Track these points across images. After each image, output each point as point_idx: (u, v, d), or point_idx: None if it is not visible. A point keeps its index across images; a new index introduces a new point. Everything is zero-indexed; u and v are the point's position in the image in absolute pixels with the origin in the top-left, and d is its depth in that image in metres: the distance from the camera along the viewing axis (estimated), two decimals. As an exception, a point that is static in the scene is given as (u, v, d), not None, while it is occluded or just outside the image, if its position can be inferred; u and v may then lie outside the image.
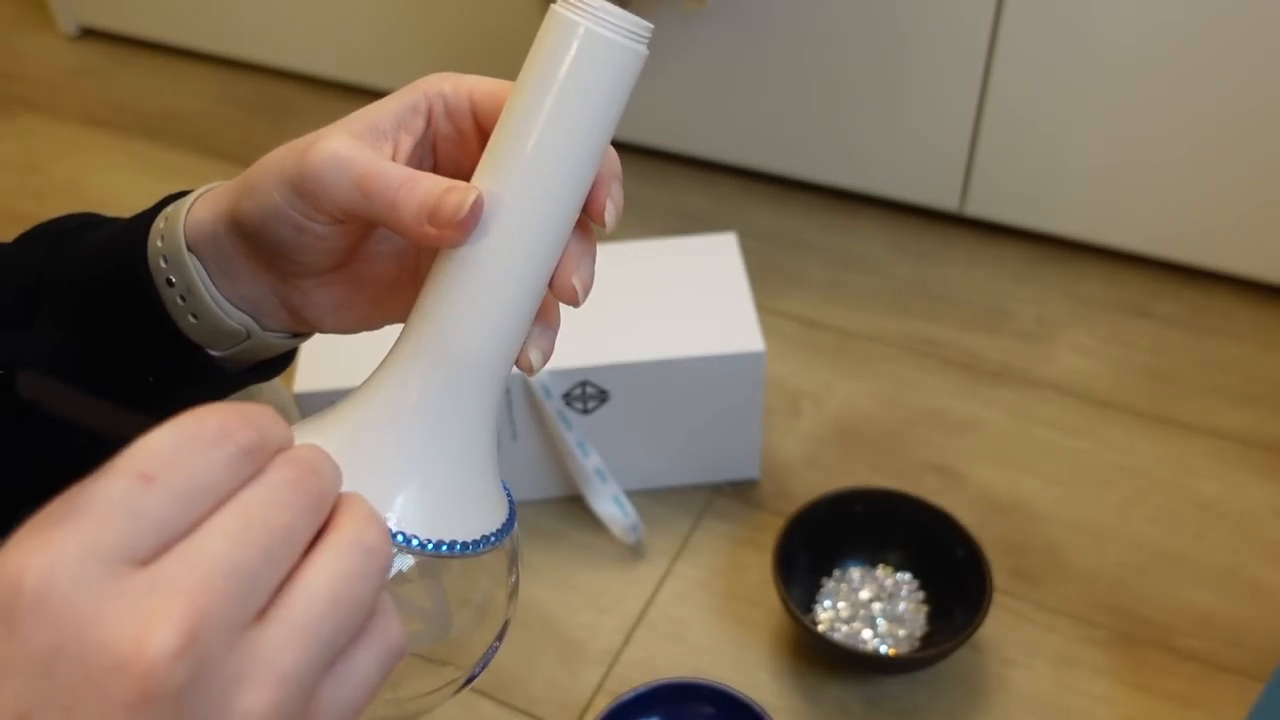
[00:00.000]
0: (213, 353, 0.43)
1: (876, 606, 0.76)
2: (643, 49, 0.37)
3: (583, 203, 0.37)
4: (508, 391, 0.78)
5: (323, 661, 0.27)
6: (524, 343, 0.38)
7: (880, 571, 0.79)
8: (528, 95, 0.35)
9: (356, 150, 0.37)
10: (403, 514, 0.35)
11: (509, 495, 0.40)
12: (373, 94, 1.45)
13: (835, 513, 0.78)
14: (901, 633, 0.75)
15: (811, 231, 1.14)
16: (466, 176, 0.38)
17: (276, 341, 0.44)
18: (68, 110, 1.38)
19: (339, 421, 0.36)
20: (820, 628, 0.75)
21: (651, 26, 0.37)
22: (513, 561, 0.39)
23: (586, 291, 0.39)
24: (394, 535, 0.34)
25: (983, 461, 0.89)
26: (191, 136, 1.32)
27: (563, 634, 0.78)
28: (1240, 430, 0.91)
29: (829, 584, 0.78)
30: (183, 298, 0.41)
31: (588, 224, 0.39)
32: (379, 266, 0.43)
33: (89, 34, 1.53)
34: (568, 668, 0.76)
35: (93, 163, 1.29)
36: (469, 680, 0.39)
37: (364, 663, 0.28)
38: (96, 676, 0.24)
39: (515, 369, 0.39)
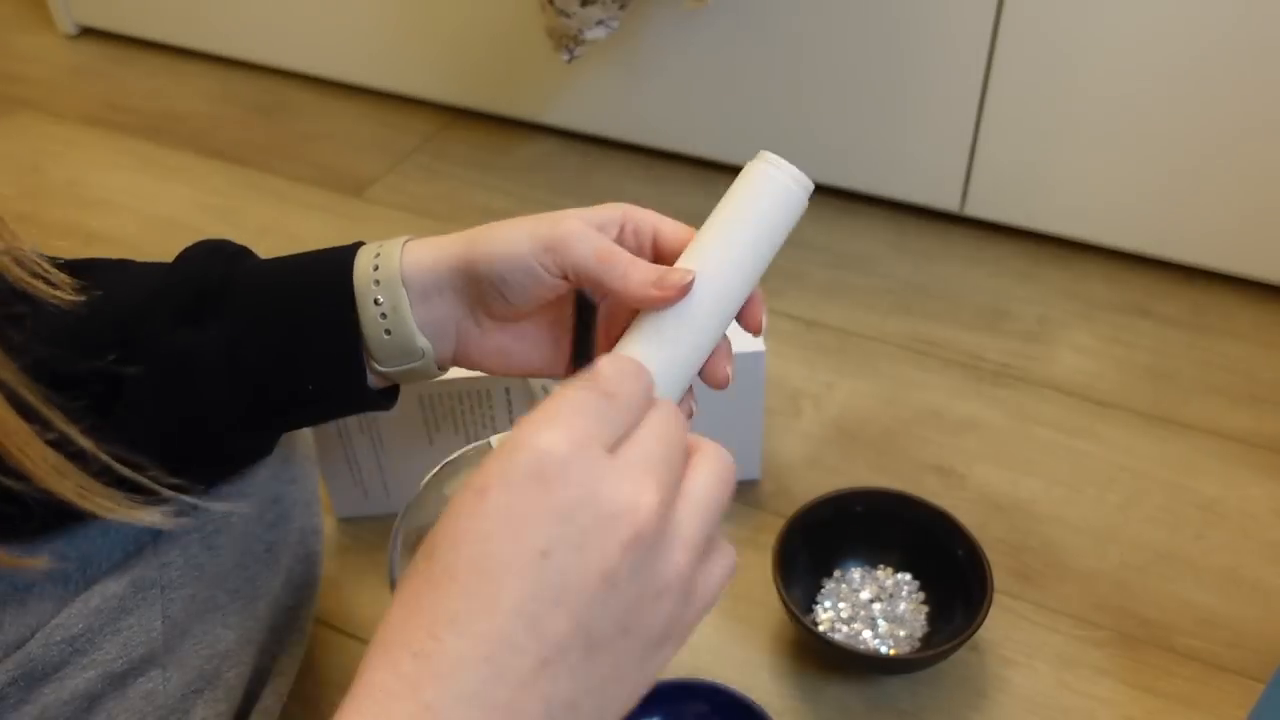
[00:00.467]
0: (379, 369, 0.53)
1: (877, 607, 0.76)
2: (806, 199, 0.51)
3: (744, 302, 0.51)
4: (506, 390, 0.79)
5: (709, 535, 0.39)
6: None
7: (880, 572, 0.78)
8: (730, 216, 0.50)
9: (596, 231, 0.51)
10: None
11: None
12: (373, 94, 1.46)
13: (835, 513, 0.77)
14: (902, 633, 0.75)
15: (811, 231, 1.14)
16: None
17: (432, 370, 0.54)
18: (67, 110, 1.38)
19: None
20: (820, 628, 0.75)
21: (812, 186, 0.51)
22: None
23: (730, 381, 0.54)
24: None
25: (983, 461, 0.89)
26: (191, 136, 1.32)
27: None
28: (1241, 430, 0.91)
29: (829, 584, 0.78)
30: (384, 315, 0.52)
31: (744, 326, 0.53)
32: (543, 331, 0.55)
33: (88, 33, 1.53)
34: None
35: (92, 162, 1.29)
36: None
37: (720, 560, 0.40)
38: (604, 522, 0.35)
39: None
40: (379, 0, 1.27)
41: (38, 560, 0.51)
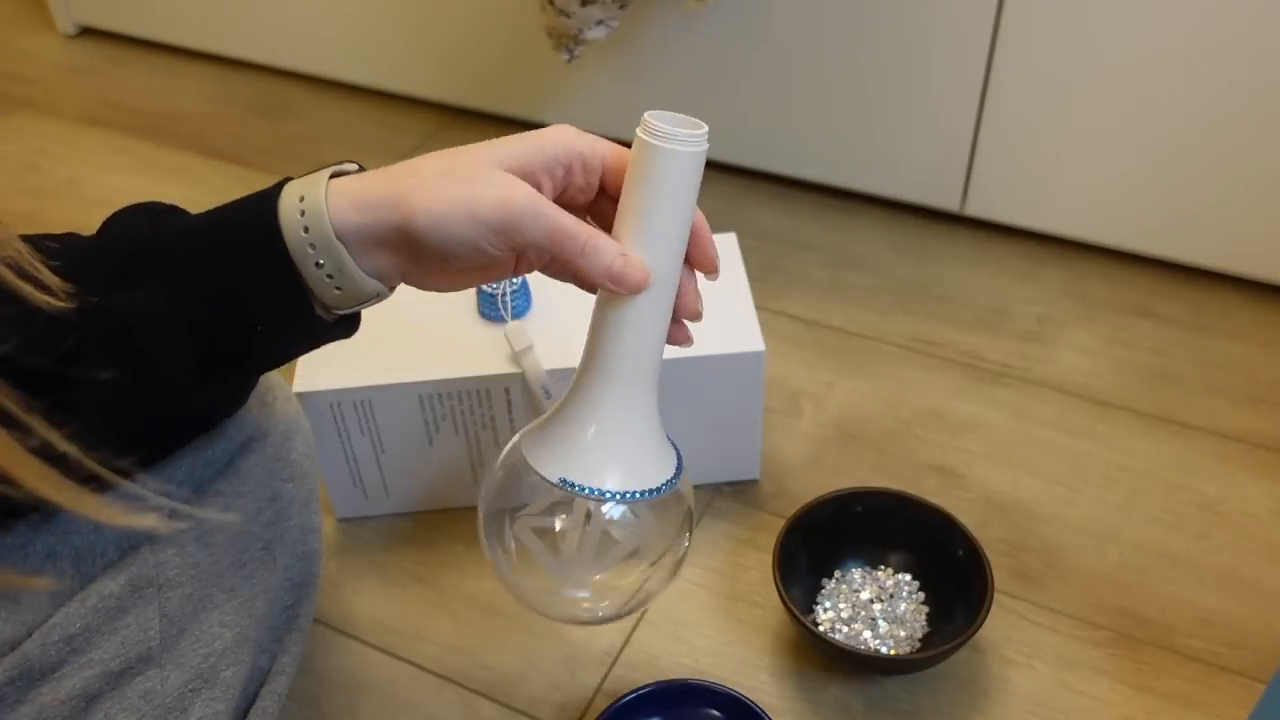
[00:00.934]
0: (336, 311, 0.52)
1: (877, 607, 0.76)
2: (704, 146, 0.51)
3: (682, 258, 0.53)
4: (506, 390, 0.78)
5: None
6: (663, 339, 0.55)
7: (881, 572, 0.78)
8: (640, 198, 0.51)
9: (545, 205, 0.49)
10: (622, 480, 0.55)
11: (676, 450, 0.59)
12: (373, 94, 1.46)
13: (836, 513, 0.77)
14: (902, 633, 0.75)
15: (811, 231, 1.14)
16: (582, 214, 0.54)
17: (386, 295, 0.53)
18: (66, 109, 1.38)
19: (568, 420, 0.56)
20: (821, 628, 0.75)
21: (707, 130, 0.51)
22: (688, 526, 0.60)
23: (702, 311, 0.55)
24: (624, 494, 0.55)
25: (983, 462, 0.89)
26: (190, 136, 1.32)
27: (563, 635, 0.77)
28: (1242, 430, 0.91)
29: (829, 585, 0.78)
30: (330, 275, 0.50)
31: (697, 271, 0.55)
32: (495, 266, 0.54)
33: (88, 33, 1.52)
34: (568, 668, 0.75)
35: (91, 162, 1.28)
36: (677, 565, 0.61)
37: None
38: None
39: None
40: (379, 0, 1.26)
41: (44, 580, 0.51)
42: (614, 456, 0.55)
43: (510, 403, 0.79)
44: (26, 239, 0.49)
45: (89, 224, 1.27)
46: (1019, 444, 0.90)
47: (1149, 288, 1.05)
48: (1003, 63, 1.01)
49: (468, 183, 0.49)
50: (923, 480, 0.87)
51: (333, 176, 0.51)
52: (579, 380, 0.55)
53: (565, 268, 0.51)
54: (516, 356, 0.77)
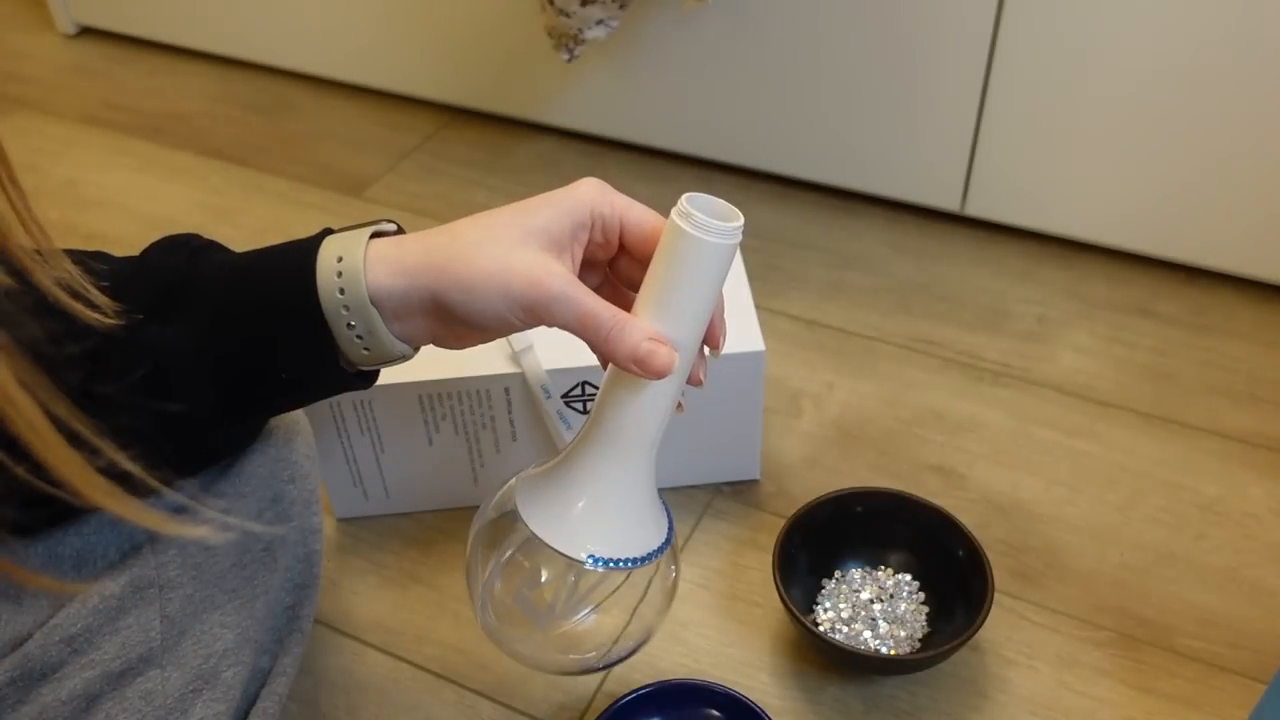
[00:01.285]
0: (360, 368, 0.54)
1: (877, 607, 0.76)
2: (738, 237, 0.51)
3: (702, 339, 0.54)
4: (506, 390, 0.78)
5: None
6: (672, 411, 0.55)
7: (881, 572, 0.78)
8: (671, 282, 0.51)
9: (575, 289, 0.50)
10: (618, 547, 0.56)
11: (667, 511, 0.60)
12: (373, 94, 1.46)
13: (836, 513, 0.77)
14: (902, 634, 0.75)
15: (811, 231, 1.14)
16: (603, 269, 0.57)
17: (410, 356, 0.55)
18: (66, 109, 1.38)
19: (565, 482, 0.56)
20: (821, 628, 0.75)
21: (743, 221, 0.51)
22: (674, 559, 0.60)
23: (704, 381, 0.56)
24: (619, 561, 0.55)
25: (983, 462, 0.89)
26: (190, 136, 1.32)
27: (562, 635, 0.77)
28: (1242, 430, 0.91)
29: (829, 585, 0.78)
30: (360, 337, 0.52)
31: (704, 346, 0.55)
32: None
33: (87, 33, 1.52)
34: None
35: (91, 162, 1.28)
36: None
37: None
38: None
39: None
40: (379, 0, 1.26)
41: (81, 586, 0.52)
42: (607, 527, 0.55)
43: (510, 403, 0.79)
44: (70, 254, 0.50)
45: (89, 224, 1.27)
46: (1019, 444, 0.90)
47: (1149, 288, 1.05)
48: (1003, 63, 1.01)
49: (504, 258, 0.51)
50: (923, 480, 0.87)
51: (373, 236, 0.52)
52: (584, 442, 0.56)
53: (591, 347, 0.52)
54: (516, 356, 0.77)
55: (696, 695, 0.69)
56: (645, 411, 0.54)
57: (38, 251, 0.45)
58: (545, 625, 0.59)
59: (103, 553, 0.55)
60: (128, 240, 1.15)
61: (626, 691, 0.68)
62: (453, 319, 0.52)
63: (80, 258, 0.52)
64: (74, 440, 0.43)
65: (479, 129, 1.31)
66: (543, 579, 0.58)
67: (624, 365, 0.51)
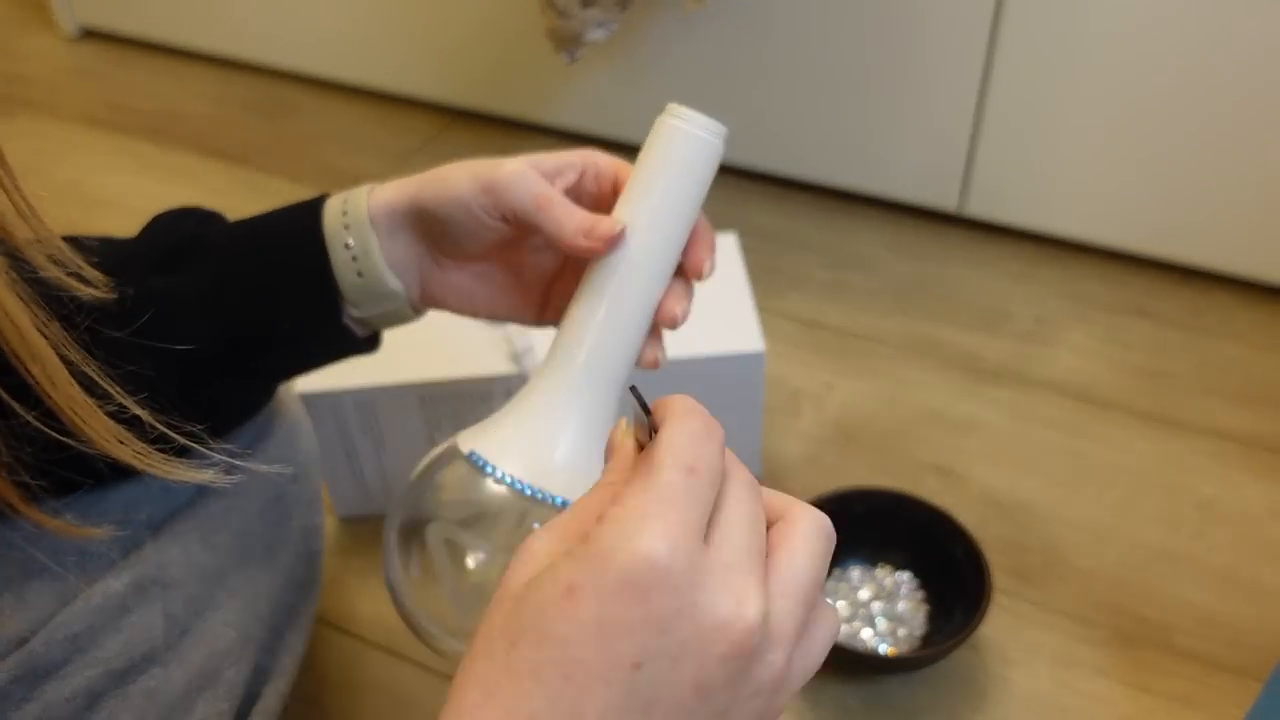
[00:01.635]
0: (355, 314, 0.55)
1: (876, 606, 0.77)
2: (720, 144, 0.51)
3: (681, 251, 0.51)
4: (506, 391, 0.79)
5: (809, 616, 0.36)
6: (642, 348, 0.51)
7: (880, 571, 0.79)
8: (648, 171, 0.50)
9: (535, 175, 0.52)
10: (519, 465, 0.48)
11: None
12: (373, 94, 1.46)
13: (835, 512, 0.77)
14: (901, 632, 0.75)
15: (811, 231, 1.14)
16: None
17: (407, 312, 0.56)
18: (68, 110, 1.38)
19: (527, 414, 0.50)
20: (820, 627, 0.75)
21: (725, 130, 0.51)
22: None
23: (684, 319, 0.52)
24: (512, 480, 0.48)
25: (982, 461, 0.89)
26: (191, 136, 1.32)
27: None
28: (1239, 430, 0.91)
29: (828, 583, 0.78)
30: (355, 258, 0.53)
31: (687, 275, 0.52)
32: (503, 274, 0.57)
33: (89, 34, 1.53)
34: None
35: (93, 163, 1.29)
36: None
37: (819, 635, 0.37)
38: (703, 634, 0.33)
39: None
40: (380, 0, 1.27)
41: (100, 530, 0.52)
42: (518, 442, 0.48)
43: (511, 403, 0.80)
44: (66, 239, 0.50)
45: (91, 225, 1.27)
46: (1018, 444, 0.90)
47: (1147, 288, 1.06)
48: (1001, 63, 1.01)
49: (478, 161, 0.54)
50: (922, 480, 0.87)
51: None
52: (541, 368, 0.51)
53: (545, 230, 0.51)
54: (517, 357, 0.78)
55: None
56: (597, 330, 0.49)
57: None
58: (464, 603, 0.50)
59: (105, 551, 0.55)
60: (129, 241, 1.16)
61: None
62: (429, 226, 0.53)
63: (75, 238, 0.53)
64: (85, 385, 0.44)
65: (479, 129, 1.31)
66: (472, 541, 0.50)
67: (572, 241, 0.50)
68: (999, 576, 0.79)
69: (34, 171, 1.31)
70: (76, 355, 0.43)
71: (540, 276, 0.57)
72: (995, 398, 0.95)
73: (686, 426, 0.36)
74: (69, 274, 0.48)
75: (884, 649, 0.74)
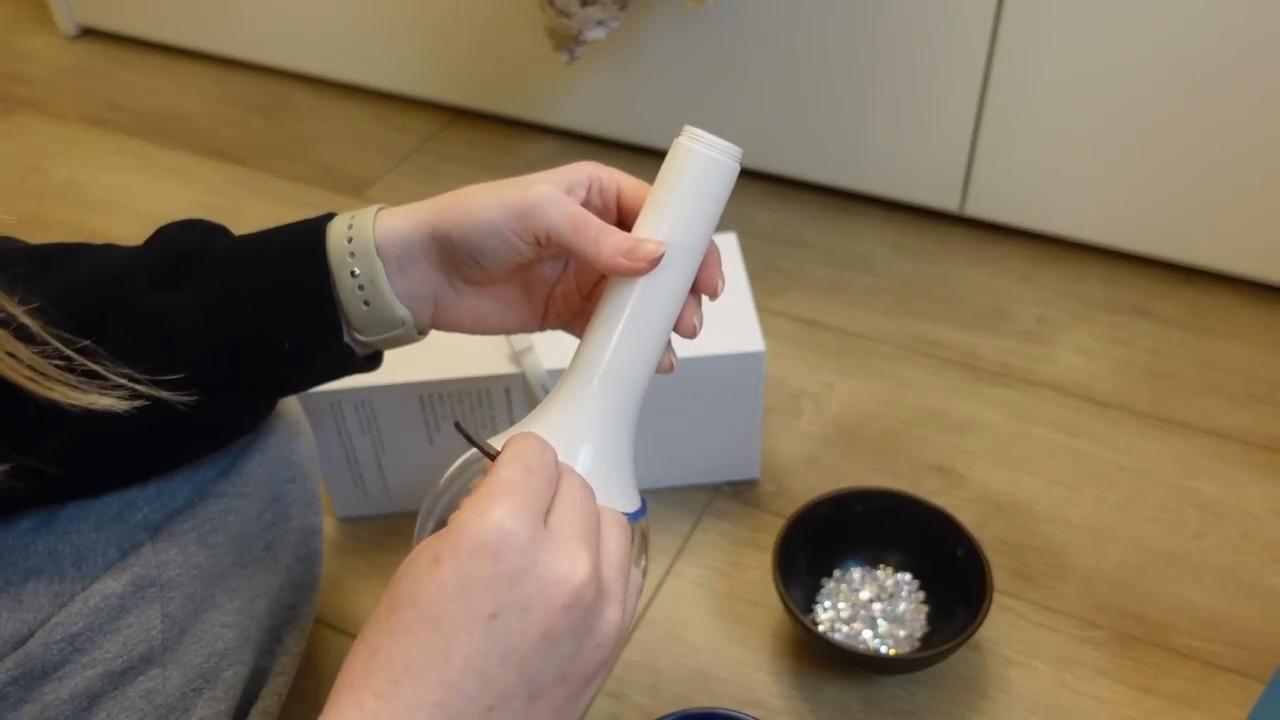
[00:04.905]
0: (360, 338, 0.54)
1: (877, 607, 0.76)
2: (735, 165, 0.52)
3: (698, 269, 0.53)
4: (506, 391, 0.79)
5: (624, 583, 0.45)
6: (661, 356, 0.53)
7: (880, 572, 0.78)
8: (667, 193, 0.52)
9: (567, 197, 0.52)
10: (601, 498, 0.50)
11: (642, 497, 0.54)
12: (373, 94, 1.46)
13: (835, 513, 0.77)
14: (902, 633, 0.75)
15: (811, 231, 1.14)
16: None
17: (414, 336, 0.55)
18: (67, 110, 1.38)
19: (551, 424, 0.51)
20: (820, 628, 0.75)
21: (741, 150, 0.52)
22: (645, 540, 0.56)
23: (699, 330, 0.54)
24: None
25: (983, 461, 0.89)
26: (191, 136, 1.32)
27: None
28: (1241, 430, 0.91)
29: (829, 584, 0.78)
30: (361, 286, 0.52)
31: (701, 292, 0.54)
32: (513, 290, 0.56)
33: (88, 34, 1.53)
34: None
35: (92, 162, 1.29)
36: None
37: (635, 600, 0.46)
38: (545, 587, 0.41)
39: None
40: (380, 0, 1.27)
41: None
42: (595, 464, 0.50)
43: (510, 403, 0.79)
44: (65, 245, 0.52)
45: (90, 224, 1.27)
46: (1019, 444, 0.90)
47: (1148, 288, 1.05)
48: (1002, 63, 1.01)
49: (500, 183, 0.53)
50: (923, 480, 0.87)
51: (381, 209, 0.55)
52: (558, 385, 0.53)
53: (581, 252, 0.51)
54: (517, 356, 0.78)
55: None
56: (624, 344, 0.51)
57: None
58: None
59: (103, 551, 0.55)
60: (128, 240, 1.15)
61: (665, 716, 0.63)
62: (453, 254, 0.52)
63: (87, 246, 0.54)
64: None
65: (479, 129, 1.31)
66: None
67: (612, 263, 0.50)
68: (999, 577, 0.79)
69: (33, 171, 1.32)
70: None
71: (544, 285, 0.57)
72: (996, 398, 0.95)
73: (523, 443, 0.45)
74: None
75: (885, 650, 0.74)
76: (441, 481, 0.56)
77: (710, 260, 0.53)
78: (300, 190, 1.23)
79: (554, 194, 0.51)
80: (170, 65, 1.45)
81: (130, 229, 1.17)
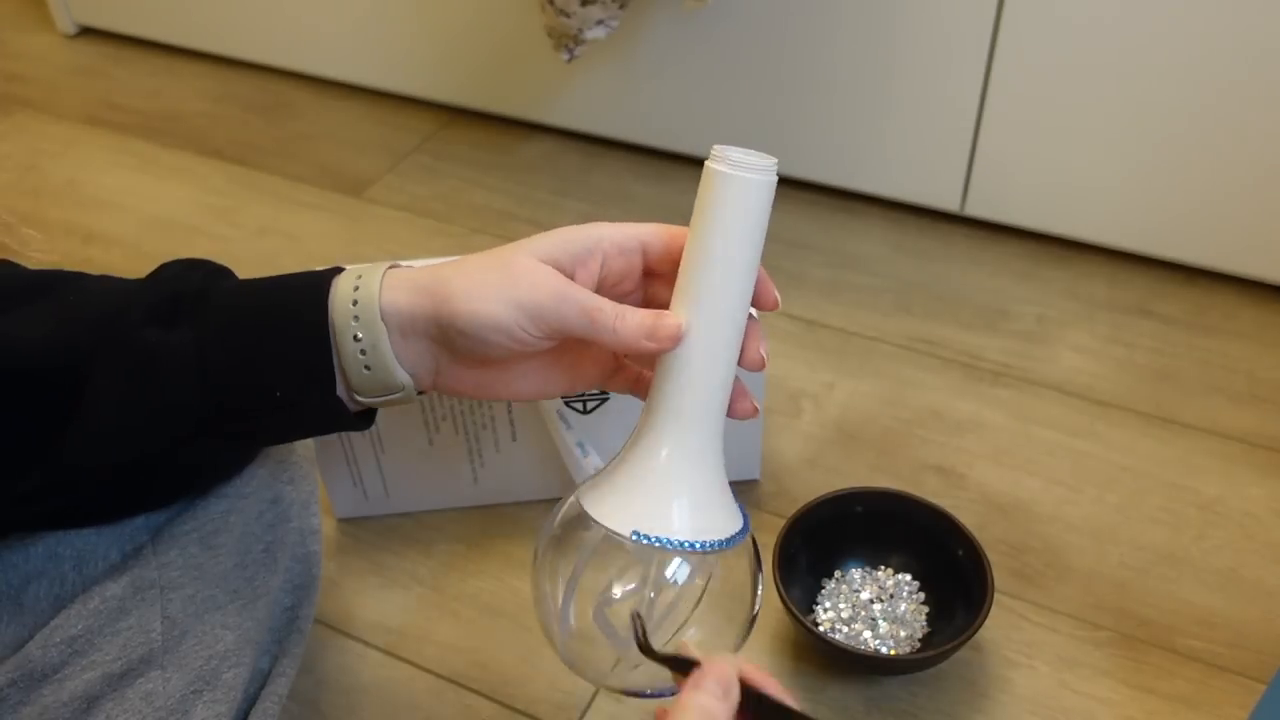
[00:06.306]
0: (358, 399, 0.53)
1: (877, 607, 0.76)
2: (773, 177, 0.51)
3: (750, 298, 0.52)
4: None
5: None
6: (732, 398, 0.53)
7: (881, 572, 0.78)
8: (708, 228, 0.50)
9: (576, 287, 0.50)
10: (693, 530, 0.52)
11: (740, 506, 0.56)
12: (373, 94, 1.45)
13: (836, 513, 0.77)
14: (902, 634, 0.75)
15: (811, 231, 1.14)
16: (624, 295, 0.55)
17: (413, 398, 0.54)
18: (66, 109, 1.38)
19: (633, 486, 0.53)
20: (821, 628, 0.75)
21: (775, 161, 0.51)
22: (756, 554, 0.58)
23: (766, 360, 0.54)
24: (697, 544, 0.52)
25: (983, 462, 0.89)
26: (190, 136, 1.32)
27: (563, 635, 0.77)
28: (1242, 430, 0.91)
29: (829, 585, 0.78)
30: (364, 351, 0.51)
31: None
32: (517, 362, 0.55)
33: (87, 33, 1.52)
34: (568, 668, 0.75)
35: (91, 162, 1.28)
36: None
37: None
38: None
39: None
40: (379, 0, 1.26)
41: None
42: (681, 505, 0.52)
43: (510, 405, 0.79)
44: (63, 272, 0.51)
45: (89, 224, 1.27)
46: (1019, 444, 0.90)
47: (1149, 288, 1.05)
48: (1003, 63, 1.01)
49: (504, 269, 0.51)
50: (923, 480, 0.87)
51: (391, 268, 0.53)
52: (639, 430, 0.54)
53: (601, 342, 0.51)
54: (517, 357, 0.77)
55: None
56: (690, 384, 0.52)
57: None
58: (627, 648, 0.54)
59: (103, 553, 0.55)
60: (128, 240, 1.15)
61: None
62: (456, 339, 0.51)
63: (85, 276, 0.53)
64: None
65: (479, 129, 1.31)
66: (616, 594, 0.54)
67: (637, 345, 0.51)
68: (1000, 577, 0.78)
69: (32, 170, 1.32)
70: None
71: (563, 356, 0.56)
72: (997, 397, 0.95)
73: (721, 670, 0.47)
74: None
75: (885, 650, 0.74)
76: (556, 524, 0.56)
77: (752, 334, 0.53)
78: (300, 190, 1.23)
79: (563, 290, 0.50)
80: (170, 65, 1.45)
81: (130, 229, 1.17)
